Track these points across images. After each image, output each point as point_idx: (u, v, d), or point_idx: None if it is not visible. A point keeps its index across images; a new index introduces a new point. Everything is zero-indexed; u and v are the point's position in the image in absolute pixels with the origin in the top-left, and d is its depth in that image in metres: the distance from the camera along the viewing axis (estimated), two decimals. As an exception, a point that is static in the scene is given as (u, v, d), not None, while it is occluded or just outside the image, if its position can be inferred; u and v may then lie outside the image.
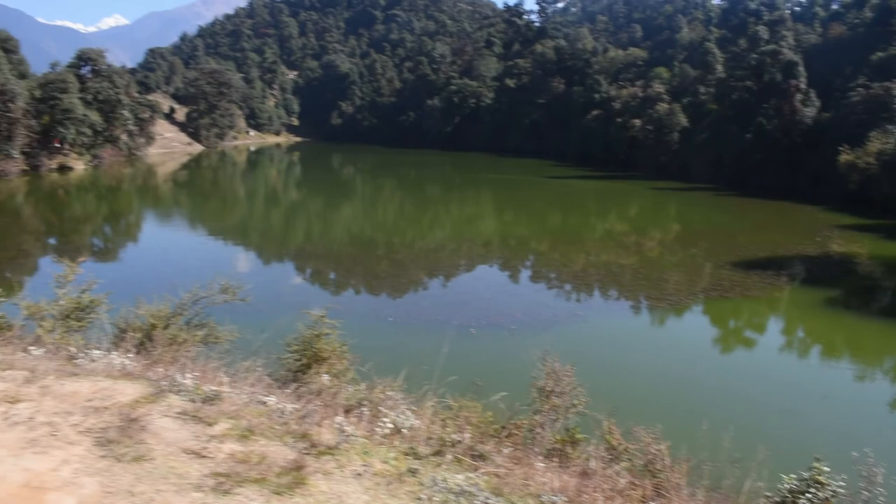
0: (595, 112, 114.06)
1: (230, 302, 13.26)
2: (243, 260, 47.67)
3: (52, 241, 55.33)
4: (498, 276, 43.72)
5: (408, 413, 6.43)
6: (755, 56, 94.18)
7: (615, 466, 7.33)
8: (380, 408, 6.68)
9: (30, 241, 54.18)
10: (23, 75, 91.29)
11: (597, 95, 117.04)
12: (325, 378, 8.63)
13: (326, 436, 5.38)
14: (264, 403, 6.08)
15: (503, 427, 7.70)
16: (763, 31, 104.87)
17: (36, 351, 9.01)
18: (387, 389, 7.33)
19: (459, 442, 5.97)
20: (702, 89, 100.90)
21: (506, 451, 6.22)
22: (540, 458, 6.70)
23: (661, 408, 18.75)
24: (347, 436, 5.26)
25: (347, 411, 6.43)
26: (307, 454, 4.99)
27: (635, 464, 7.75)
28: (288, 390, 7.60)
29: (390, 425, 5.93)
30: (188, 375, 6.43)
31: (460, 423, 6.74)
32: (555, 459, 6.98)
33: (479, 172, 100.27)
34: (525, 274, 44.23)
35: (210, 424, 5.23)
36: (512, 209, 71.66)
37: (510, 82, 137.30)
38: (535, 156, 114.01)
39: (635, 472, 7.46)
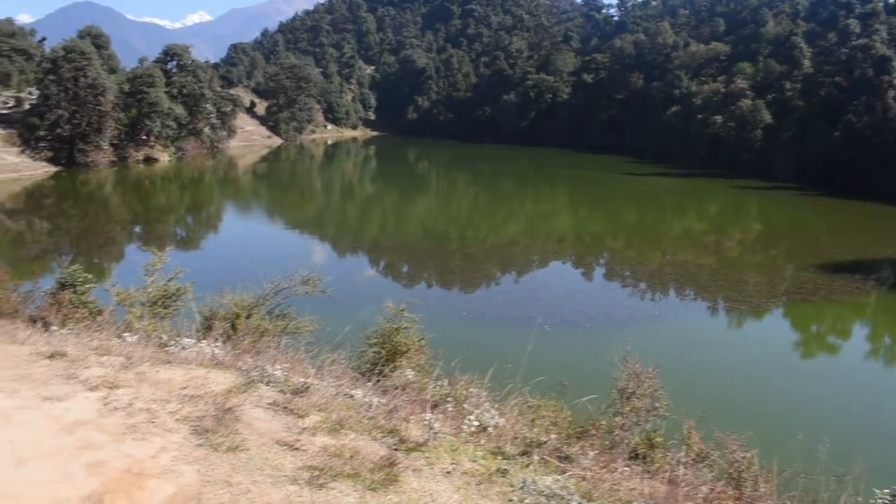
0: (674, 108, 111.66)
1: (310, 293, 13.48)
2: (319, 251, 48.47)
3: (137, 229, 57.31)
4: (572, 272, 43.29)
5: (492, 411, 6.39)
6: (845, 51, 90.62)
7: (699, 473, 7.13)
8: (464, 405, 6.66)
9: (117, 229, 56.28)
10: (113, 70, 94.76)
11: (676, 91, 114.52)
12: (410, 373, 8.66)
13: (414, 432, 5.38)
14: (351, 397, 6.13)
15: (583, 428, 7.59)
16: (854, 25, 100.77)
17: (130, 337, 9.30)
18: (470, 386, 7.30)
19: (545, 442, 5.89)
20: (787, 85, 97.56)
21: (591, 453, 6.11)
22: (625, 461, 6.56)
23: (744, 414, 18.20)
24: (435, 433, 5.25)
25: (434, 407, 6.43)
26: (397, 450, 5.00)
27: (720, 471, 7.53)
28: (370, 383, 7.64)
29: (476, 423, 5.89)
30: (277, 366, 6.53)
31: (545, 424, 6.66)
32: (639, 464, 6.84)
33: (554, 168, 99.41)
34: (599, 271, 43.65)
35: (301, 417, 5.29)
36: (587, 205, 70.81)
37: (587, 77, 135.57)
38: (611, 152, 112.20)
39: (720, 480, 7.24)
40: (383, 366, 9.64)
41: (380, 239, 52.83)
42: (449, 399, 6.77)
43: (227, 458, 4.62)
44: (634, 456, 7.24)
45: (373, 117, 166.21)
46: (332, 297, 14.17)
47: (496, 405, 6.85)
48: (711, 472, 7.51)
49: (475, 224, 59.70)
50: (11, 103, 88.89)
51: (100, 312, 14.92)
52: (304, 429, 5.08)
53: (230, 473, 4.44)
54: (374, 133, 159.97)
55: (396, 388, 7.24)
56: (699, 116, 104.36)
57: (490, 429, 5.93)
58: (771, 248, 50.24)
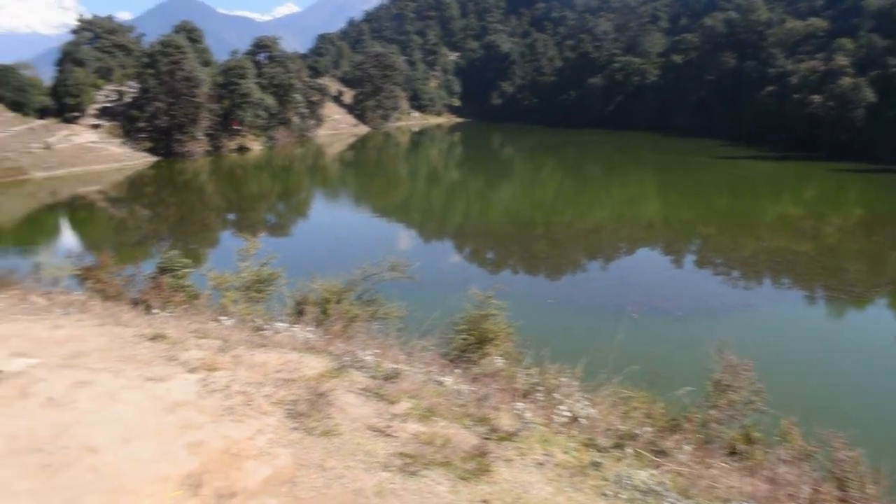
0: (769, 88, 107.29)
1: (397, 279, 13.60)
2: (406, 237, 48.89)
3: (231, 216, 59.10)
4: (661, 259, 42.29)
5: (583, 401, 6.29)
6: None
7: (801, 472, 6.83)
8: (554, 394, 6.57)
9: (212, 216, 58.19)
10: (206, 63, 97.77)
11: (771, 70, 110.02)
12: (499, 360, 8.61)
13: (505, 421, 5.33)
14: (441, 384, 6.12)
15: (676, 421, 7.38)
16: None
17: (226, 321, 9.57)
18: (560, 375, 7.20)
19: (639, 435, 5.75)
20: (892, 61, 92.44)
21: (687, 447, 5.93)
22: (722, 457, 6.34)
23: (847, 410, 17.43)
24: (526, 422, 5.18)
25: (524, 396, 6.36)
26: (488, 439, 4.96)
27: (822, 471, 7.19)
28: (459, 370, 7.63)
29: (567, 413, 5.80)
30: (368, 352, 6.59)
31: (638, 416, 6.51)
32: (736, 460, 6.60)
33: (641, 152, 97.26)
34: (690, 258, 42.51)
35: (392, 403, 5.32)
36: (676, 190, 68.96)
37: (677, 58, 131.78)
38: (702, 135, 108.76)
39: (823, 481, 6.92)
40: (472, 353, 9.62)
41: (465, 225, 52.89)
42: (539, 388, 6.69)
43: (321, 443, 4.68)
44: (731, 452, 7.00)
45: (457, 104, 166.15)
46: (419, 283, 14.27)
47: (587, 395, 6.72)
48: (814, 471, 7.18)
49: (560, 209, 59.04)
50: (114, 97, 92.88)
51: (197, 296, 15.48)
52: (396, 415, 5.10)
53: (323, 458, 4.50)
54: (459, 119, 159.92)
55: (486, 376, 7.20)
56: (796, 96, 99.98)
57: (582, 419, 5.83)
58: (874, 234, 47.86)
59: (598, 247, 44.64)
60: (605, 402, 6.72)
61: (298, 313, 11.72)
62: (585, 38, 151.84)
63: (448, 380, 6.28)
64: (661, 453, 5.43)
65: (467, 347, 10.01)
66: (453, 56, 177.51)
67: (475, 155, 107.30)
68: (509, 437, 5.02)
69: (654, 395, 7.98)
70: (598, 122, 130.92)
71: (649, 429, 6.12)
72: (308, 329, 8.57)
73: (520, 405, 5.77)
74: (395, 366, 6.16)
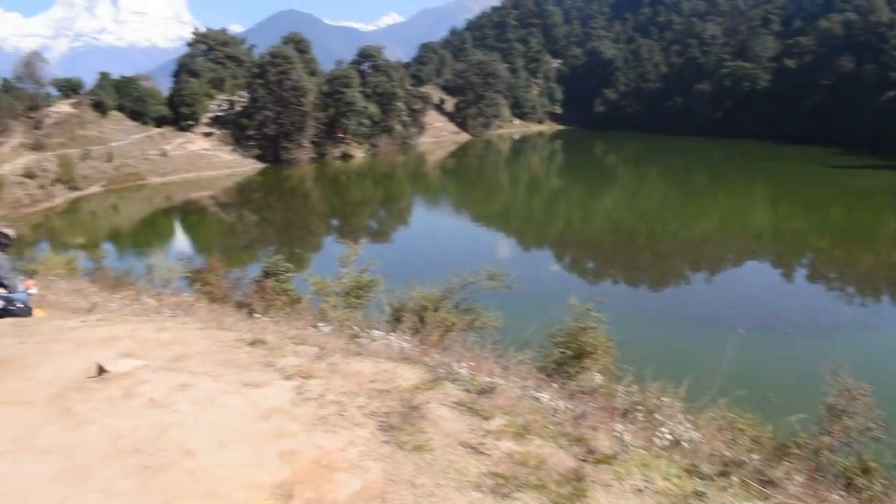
0: (891, 93, 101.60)
1: (495, 289, 13.45)
2: (505, 246, 48.74)
3: (334, 222, 60.43)
4: (770, 272, 40.55)
5: (686, 424, 5.98)
6: None
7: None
8: (655, 415, 6.29)
9: (316, 221, 59.70)
10: (313, 72, 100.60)
11: (893, 74, 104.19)
12: (597, 376, 8.36)
13: (603, 442, 5.11)
14: (537, 399, 5.95)
15: (785, 446, 6.93)
16: None
17: (324, 327, 9.67)
18: (661, 394, 6.89)
19: (745, 463, 5.41)
20: None
21: (798, 478, 5.54)
22: (836, 489, 5.90)
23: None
24: (625, 445, 4.95)
25: (623, 415, 6.12)
26: (585, 461, 4.75)
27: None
28: (555, 385, 7.43)
29: (669, 436, 5.52)
30: (463, 364, 6.49)
31: (745, 441, 6.15)
32: (852, 492, 6.14)
33: (751, 160, 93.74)
34: (801, 272, 40.64)
35: (486, 418, 5.18)
36: (788, 201, 66.02)
37: (789, 62, 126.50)
38: (816, 143, 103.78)
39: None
40: (569, 367, 9.38)
41: (565, 234, 52.32)
42: (639, 407, 6.41)
43: (412, 458, 4.59)
44: (847, 483, 6.52)
45: (559, 111, 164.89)
46: (517, 293, 14.07)
47: (690, 417, 6.40)
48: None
49: (664, 219, 57.55)
50: (225, 106, 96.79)
51: (298, 300, 15.81)
52: (489, 432, 4.97)
53: (414, 474, 4.41)
54: (561, 127, 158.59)
55: (583, 393, 6.98)
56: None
57: (684, 443, 5.53)
58: None
59: (703, 258, 43.23)
60: (709, 425, 6.38)
61: (396, 320, 11.74)
62: (692, 42, 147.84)
63: (544, 396, 6.10)
64: (770, 483, 5.08)
65: (565, 361, 9.77)
66: (555, 63, 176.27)
67: (577, 163, 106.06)
68: (607, 459, 4.80)
69: (761, 418, 7.55)
70: (705, 129, 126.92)
71: (757, 456, 5.76)
72: (404, 338, 8.54)
73: (618, 426, 5.53)
74: (490, 379, 6.02)
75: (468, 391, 5.70)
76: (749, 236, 50.23)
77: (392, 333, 8.97)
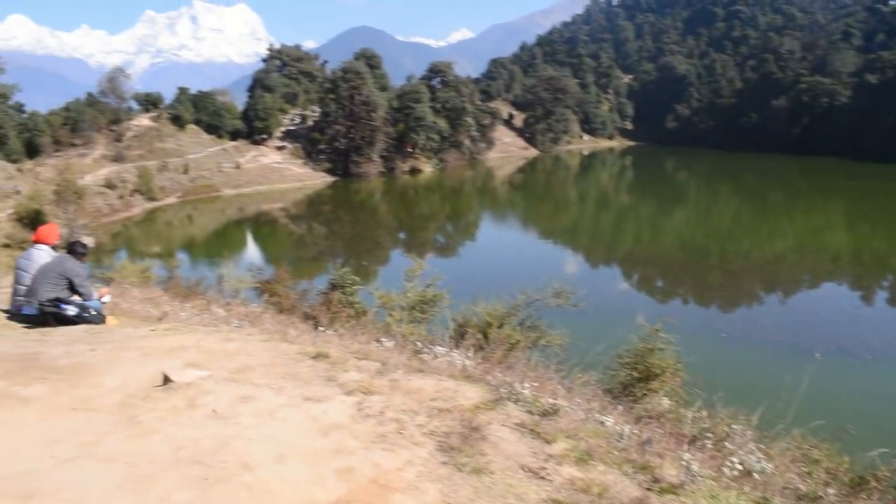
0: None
1: (561, 306, 13.25)
2: (572, 262, 48.24)
3: (401, 236, 60.84)
4: (849, 295, 39.03)
5: (758, 453, 5.71)
6: None
7: None
8: (724, 443, 6.03)
9: (383, 234, 60.22)
10: (383, 88, 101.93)
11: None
12: (665, 400, 8.10)
13: (669, 470, 4.91)
14: (602, 423, 5.78)
15: (862, 478, 6.55)
16: None
17: (387, 342, 9.66)
18: (732, 421, 6.61)
19: (821, 497, 5.13)
20: None
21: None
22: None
23: None
24: (693, 474, 4.74)
25: (690, 443, 5.88)
26: (650, 490, 4.57)
27: None
28: (620, 407, 7.23)
29: (739, 466, 5.27)
30: (526, 384, 6.35)
31: (820, 474, 5.84)
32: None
33: (829, 178, 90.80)
34: (882, 295, 39.05)
35: (548, 442, 5.04)
36: (868, 221, 63.57)
37: (871, 78, 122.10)
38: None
39: None
40: (635, 389, 9.14)
41: (634, 251, 51.50)
42: (708, 435, 6.16)
43: (471, 481, 4.49)
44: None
45: (630, 127, 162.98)
46: (583, 311, 13.84)
47: (762, 446, 6.11)
48: None
49: (737, 238, 56.08)
50: (297, 120, 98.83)
51: (364, 313, 15.89)
52: (551, 456, 4.82)
53: (472, 498, 4.30)
54: (631, 143, 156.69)
55: (650, 417, 6.76)
56: None
57: (755, 474, 5.27)
58: None
59: (777, 279, 41.95)
60: (782, 455, 6.08)
61: (460, 336, 11.65)
62: (769, 57, 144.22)
63: (609, 419, 5.92)
64: (848, 520, 4.80)
65: (631, 383, 9.52)
66: (626, 78, 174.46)
67: (647, 179, 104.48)
68: (673, 489, 4.60)
69: (838, 450, 7.17)
70: (781, 146, 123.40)
71: (833, 490, 5.45)
72: (467, 355, 8.44)
73: (686, 454, 5.31)
74: (553, 400, 5.87)
75: (530, 412, 5.57)
76: (826, 257, 48.54)
77: (455, 350, 8.88)
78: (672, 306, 35.02)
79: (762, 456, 5.76)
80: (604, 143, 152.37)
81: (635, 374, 9.70)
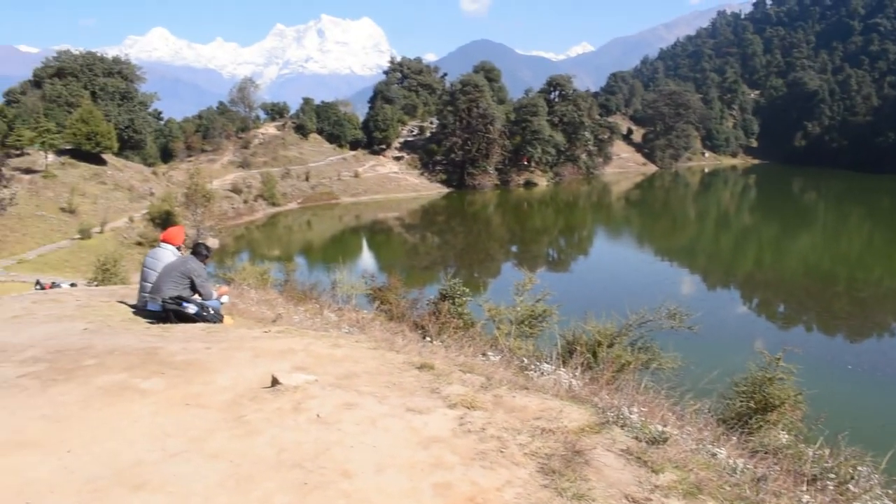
0: None
1: (675, 329, 12.76)
2: (687, 282, 46.75)
3: (513, 248, 60.69)
4: None
5: (885, 500, 5.27)
6: None
7: None
8: (848, 486, 5.60)
9: (495, 247, 60.22)
10: (501, 101, 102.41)
11: None
12: (783, 435, 7.63)
13: (785, 511, 4.59)
14: (714, 455, 5.47)
15: None
16: None
17: (493, 356, 9.56)
18: (857, 462, 6.15)
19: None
20: None
21: None
22: None
23: None
24: (812, 517, 4.41)
25: (810, 483, 5.49)
26: (764, 532, 4.28)
27: None
28: (734, 439, 6.85)
29: (865, 512, 4.88)
30: (634, 408, 6.11)
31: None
32: None
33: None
34: None
35: (655, 471, 4.80)
36: None
37: None
38: None
39: None
40: (750, 420, 8.67)
41: (754, 274, 49.42)
42: (830, 475, 5.73)
43: (570, 506, 4.33)
44: None
45: (755, 144, 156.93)
46: (698, 334, 13.27)
47: (892, 492, 5.64)
48: None
49: (867, 264, 52.90)
50: (415, 131, 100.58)
51: (472, 325, 15.85)
52: (657, 486, 4.59)
53: (572, 525, 4.15)
54: (756, 161, 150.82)
55: (766, 452, 6.37)
56: None
57: (884, 523, 4.87)
58: None
59: (913, 310, 39.26)
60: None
61: (568, 354, 11.42)
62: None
63: (722, 451, 5.60)
64: None
65: (747, 414, 9.04)
66: (753, 94, 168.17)
67: (771, 199, 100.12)
68: (790, 532, 4.30)
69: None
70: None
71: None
72: (574, 374, 8.24)
73: (805, 495, 4.96)
74: (662, 427, 5.61)
75: (638, 439, 5.33)
76: (971, 288, 45.09)
77: (562, 368, 8.69)
78: (793, 334, 33.36)
79: (890, 503, 5.33)
80: (726, 161, 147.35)
81: (752, 404, 9.21)
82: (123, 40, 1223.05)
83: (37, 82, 75.20)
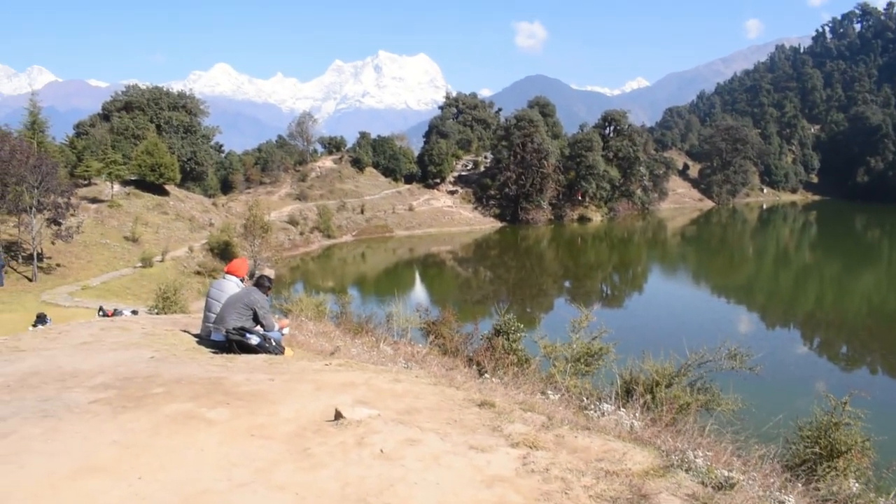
0: None
1: (735, 369, 12.50)
2: (746, 321, 45.69)
3: (567, 284, 60.23)
4: None
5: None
6: None
7: None
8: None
9: (549, 282, 59.88)
10: (556, 136, 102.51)
11: None
12: (854, 484, 7.41)
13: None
14: (781, 503, 5.35)
15: None
16: None
17: (552, 395, 9.51)
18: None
19: None
20: None
21: None
22: None
23: None
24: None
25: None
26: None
27: None
28: (800, 486, 6.68)
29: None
30: (699, 452, 6.02)
31: None
32: None
33: None
34: None
35: (721, 518, 4.73)
36: None
37: None
38: None
39: None
40: (817, 467, 8.43)
41: (815, 313, 48.07)
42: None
43: (635, 552, 4.28)
44: None
45: (815, 180, 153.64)
46: (760, 376, 12.97)
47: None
48: None
49: (937, 305, 51.08)
50: (470, 166, 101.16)
51: (527, 361, 15.76)
52: (725, 533, 4.52)
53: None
54: (816, 197, 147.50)
55: (836, 501, 6.20)
56: None
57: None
58: None
59: None
60: None
61: (626, 393, 11.30)
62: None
63: (790, 499, 5.47)
64: None
65: (812, 460, 8.80)
66: (813, 129, 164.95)
67: (833, 236, 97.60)
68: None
69: None
70: None
71: None
72: (634, 414, 8.15)
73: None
74: (728, 473, 5.51)
75: (704, 484, 5.24)
76: None
77: (622, 409, 8.60)
78: (857, 376, 32.28)
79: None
80: (786, 197, 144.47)
81: (817, 449, 8.97)
82: (188, 75, 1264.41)
83: (105, 115, 78.17)
